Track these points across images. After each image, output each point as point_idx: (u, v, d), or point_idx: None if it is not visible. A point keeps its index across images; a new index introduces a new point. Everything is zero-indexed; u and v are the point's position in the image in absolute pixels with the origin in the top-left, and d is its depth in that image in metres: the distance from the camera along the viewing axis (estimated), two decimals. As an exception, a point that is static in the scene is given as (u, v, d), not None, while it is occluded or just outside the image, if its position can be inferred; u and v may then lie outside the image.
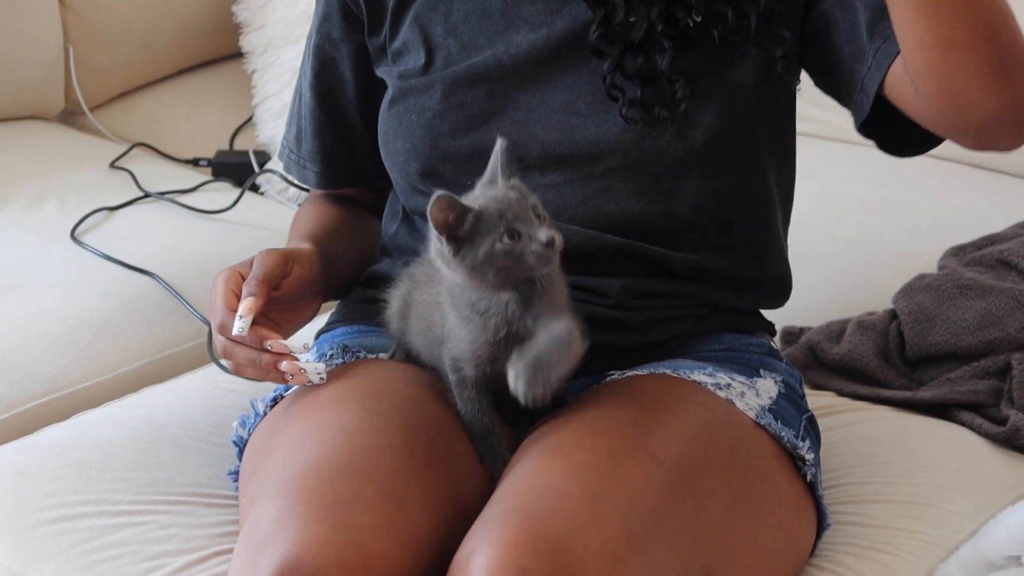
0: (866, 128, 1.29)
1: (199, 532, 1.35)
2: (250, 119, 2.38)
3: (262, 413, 1.35)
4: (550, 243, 1.15)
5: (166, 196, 2.11)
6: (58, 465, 1.45)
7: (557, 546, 1.07)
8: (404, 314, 1.32)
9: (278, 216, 2.07)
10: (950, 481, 1.47)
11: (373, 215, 1.50)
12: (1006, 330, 1.64)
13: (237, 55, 2.45)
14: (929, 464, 1.49)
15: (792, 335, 1.74)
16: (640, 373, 1.31)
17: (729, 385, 1.30)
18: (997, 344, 1.63)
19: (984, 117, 1.17)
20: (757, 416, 1.29)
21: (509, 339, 1.19)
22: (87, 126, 2.42)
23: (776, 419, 1.30)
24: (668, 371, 1.30)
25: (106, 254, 1.91)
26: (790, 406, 1.34)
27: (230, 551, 1.30)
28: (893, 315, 1.71)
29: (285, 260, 1.32)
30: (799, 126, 2.27)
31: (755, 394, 1.31)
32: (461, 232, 1.16)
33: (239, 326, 1.25)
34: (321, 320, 1.51)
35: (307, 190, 1.64)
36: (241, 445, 1.37)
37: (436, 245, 1.19)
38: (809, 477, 1.31)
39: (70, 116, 2.46)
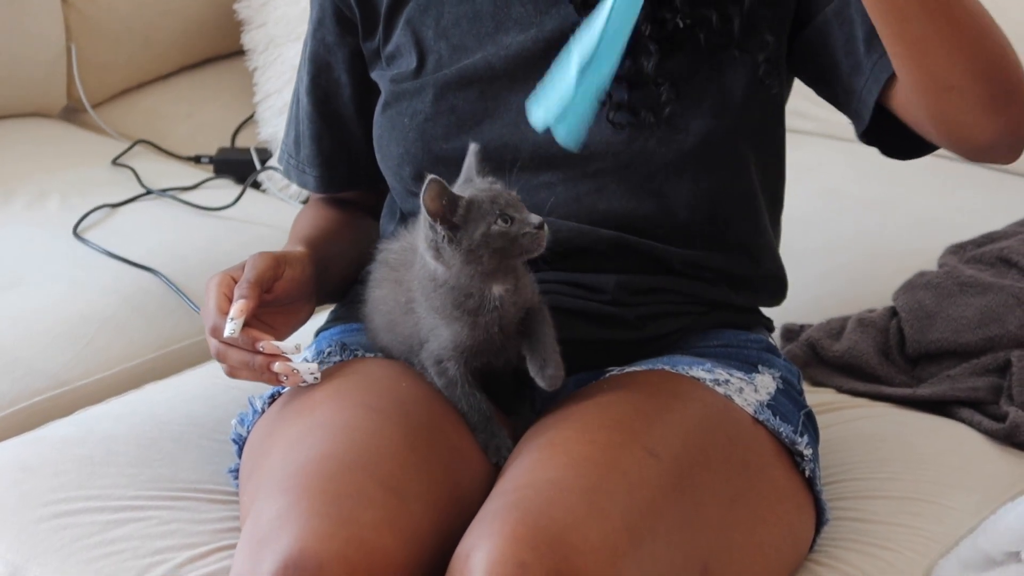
0: (868, 136, 1.30)
1: (201, 528, 1.36)
2: (251, 116, 2.39)
3: (260, 410, 1.36)
4: (541, 226, 1.21)
5: (168, 193, 2.11)
6: (60, 460, 1.45)
7: (556, 540, 1.08)
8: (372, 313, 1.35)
9: (280, 213, 2.07)
10: (950, 477, 1.47)
11: (372, 218, 1.50)
12: (1006, 327, 1.64)
13: (239, 52, 2.45)
14: (929, 461, 1.50)
15: (792, 332, 1.74)
16: (639, 369, 1.32)
17: (727, 381, 1.31)
18: (997, 341, 1.64)
19: (980, 142, 1.20)
20: (755, 412, 1.30)
21: (501, 332, 1.24)
22: (89, 123, 2.42)
23: (774, 415, 1.31)
24: (666, 367, 1.31)
25: (108, 251, 1.92)
26: (788, 402, 1.34)
27: (232, 547, 1.31)
28: (893, 312, 1.72)
29: (277, 263, 1.32)
30: (799, 124, 2.31)
31: (753, 390, 1.32)
32: (454, 218, 1.21)
33: (230, 328, 1.25)
34: (320, 319, 1.52)
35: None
36: (240, 443, 1.38)
37: (428, 234, 1.23)
38: (807, 472, 1.31)
39: (72, 113, 2.46)
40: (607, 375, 1.32)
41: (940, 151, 2.21)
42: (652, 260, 1.34)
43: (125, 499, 1.39)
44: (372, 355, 1.36)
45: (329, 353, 1.37)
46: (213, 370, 1.63)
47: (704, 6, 1.29)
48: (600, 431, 1.20)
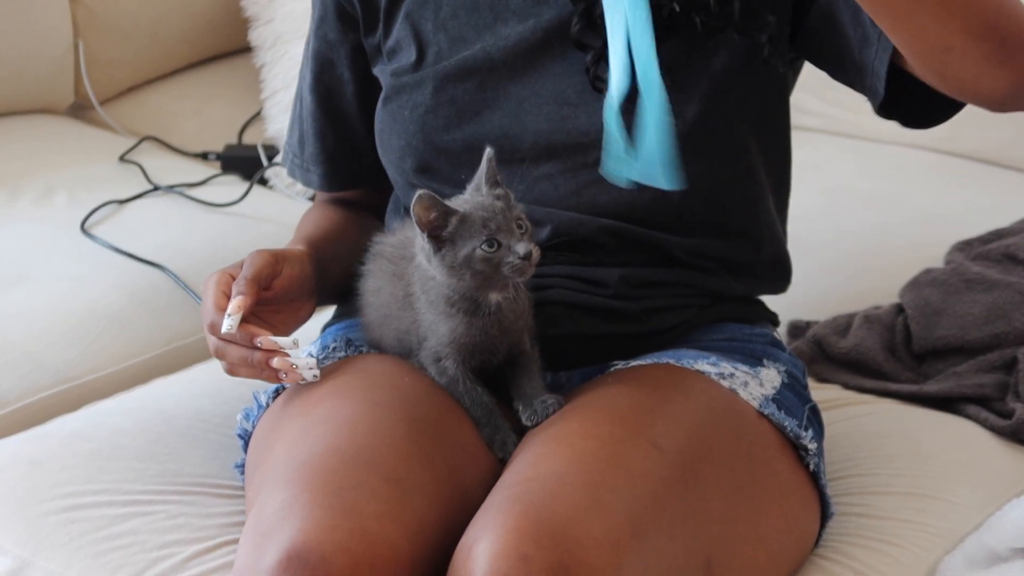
0: (885, 110, 1.28)
1: (208, 522, 1.36)
2: (259, 113, 2.39)
3: (265, 405, 1.36)
4: (527, 256, 1.21)
5: (175, 189, 2.12)
6: (68, 455, 1.45)
7: (559, 533, 1.08)
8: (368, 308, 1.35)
9: (287, 209, 2.08)
10: (956, 474, 1.48)
11: (377, 217, 1.51)
12: (1012, 324, 1.64)
13: (246, 49, 2.45)
14: (935, 457, 1.50)
15: (799, 329, 1.74)
16: (643, 363, 1.32)
17: (732, 375, 1.31)
18: (1003, 338, 1.64)
19: (996, 94, 1.15)
20: (760, 406, 1.30)
21: (501, 334, 1.26)
22: (96, 120, 2.42)
23: (779, 409, 1.31)
24: (671, 360, 1.31)
25: (115, 246, 1.92)
26: (793, 396, 1.35)
27: (239, 541, 1.31)
28: (899, 309, 1.72)
29: (275, 260, 1.32)
30: (805, 121, 2.31)
31: (758, 384, 1.32)
32: (444, 232, 1.22)
33: (227, 324, 1.26)
34: (328, 314, 1.52)
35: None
36: (246, 438, 1.38)
37: (419, 242, 1.24)
38: (812, 467, 1.31)
39: (80, 110, 2.46)
40: (611, 369, 1.33)
41: (947, 147, 2.22)
42: (654, 250, 1.34)
43: (132, 493, 1.39)
44: (376, 351, 1.36)
45: (334, 348, 1.37)
46: (220, 366, 1.63)
47: None
48: (603, 425, 1.20)
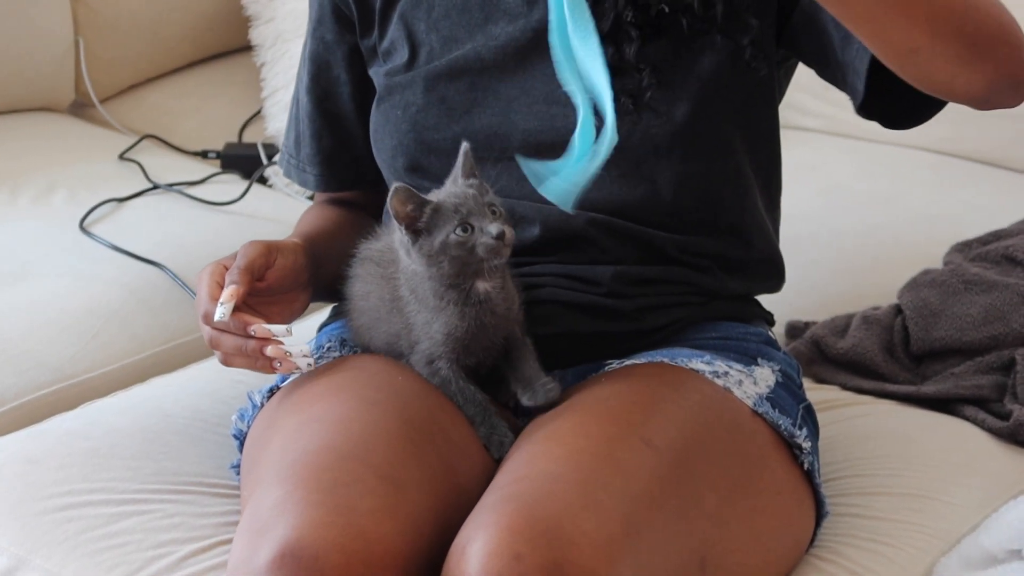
0: (866, 110, 1.28)
1: (204, 521, 1.36)
2: (259, 112, 2.39)
3: (259, 404, 1.37)
4: (500, 236, 1.23)
5: (175, 188, 2.12)
6: (66, 453, 1.45)
7: (552, 531, 1.08)
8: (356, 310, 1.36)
9: (286, 208, 2.08)
10: (953, 475, 1.48)
11: (374, 218, 1.51)
12: (1010, 325, 1.64)
13: (246, 48, 2.46)
14: (933, 458, 1.50)
15: (797, 329, 1.74)
16: (638, 362, 1.32)
17: (727, 373, 1.31)
18: (1001, 339, 1.64)
19: (972, 93, 1.14)
20: (755, 404, 1.30)
21: (494, 324, 1.27)
22: (97, 118, 2.43)
23: (774, 408, 1.31)
24: (666, 359, 1.31)
25: (115, 245, 1.92)
26: (787, 395, 1.35)
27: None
28: (898, 310, 1.72)
29: (268, 251, 1.33)
30: (803, 121, 2.31)
31: (753, 382, 1.32)
32: (419, 224, 1.24)
33: (220, 312, 1.26)
34: (322, 315, 1.52)
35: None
36: (241, 438, 1.38)
37: (398, 235, 1.26)
38: (806, 466, 1.31)
39: (80, 108, 2.47)
40: (606, 368, 1.33)
41: (946, 147, 2.22)
42: (646, 246, 1.35)
43: (129, 492, 1.39)
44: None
45: (329, 348, 1.38)
46: (218, 364, 1.61)
47: None
48: (597, 423, 1.20)
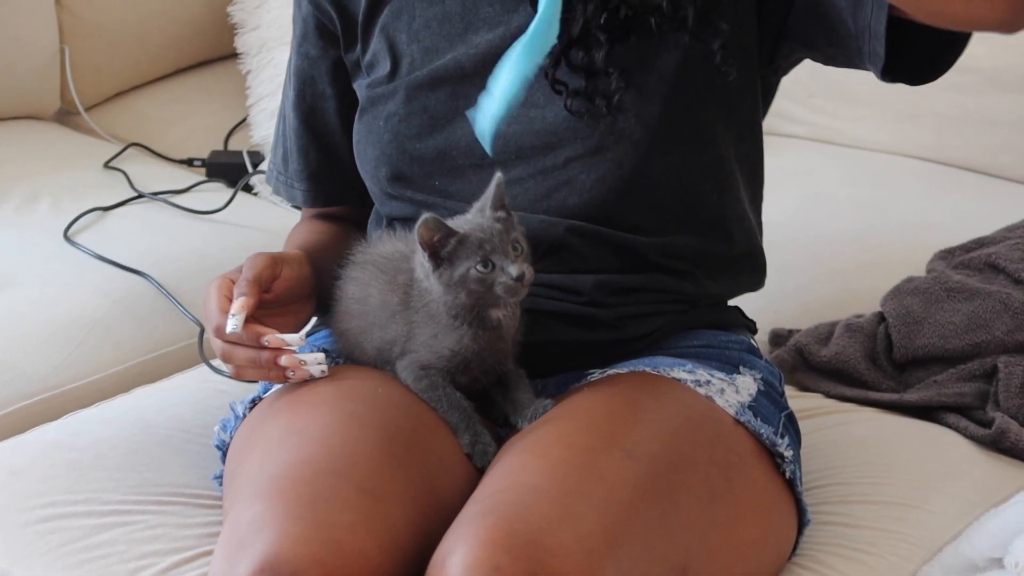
0: (889, 73, 1.26)
1: (187, 532, 1.36)
2: (244, 120, 2.39)
3: (241, 416, 1.37)
4: (520, 278, 1.24)
5: (159, 197, 2.12)
6: (49, 464, 1.45)
7: (531, 543, 1.08)
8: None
9: (271, 216, 2.08)
10: (936, 483, 1.48)
11: (362, 231, 1.51)
12: (992, 333, 1.64)
13: (232, 56, 2.46)
14: (914, 466, 1.50)
15: (781, 337, 1.74)
16: (619, 371, 1.32)
17: (709, 382, 1.31)
18: (984, 347, 1.64)
19: (996, 20, 1.11)
20: (736, 413, 1.30)
21: (501, 347, 1.28)
22: (82, 126, 2.43)
23: (755, 416, 1.31)
24: (648, 368, 1.32)
25: (99, 254, 1.92)
26: (769, 403, 1.35)
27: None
28: (881, 318, 1.72)
29: (274, 262, 1.34)
30: (789, 128, 2.32)
31: (735, 391, 1.33)
32: (443, 252, 1.24)
33: (232, 324, 1.27)
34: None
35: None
36: (224, 449, 1.38)
37: (419, 259, 1.26)
38: (788, 474, 1.32)
39: (66, 116, 2.46)
40: (588, 377, 1.33)
41: (930, 154, 2.22)
42: (626, 252, 1.35)
43: (112, 503, 1.39)
44: (347, 360, 1.36)
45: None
46: (202, 374, 1.63)
47: None
48: (578, 434, 1.21)
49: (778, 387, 1.40)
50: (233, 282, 1.31)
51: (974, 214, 2.00)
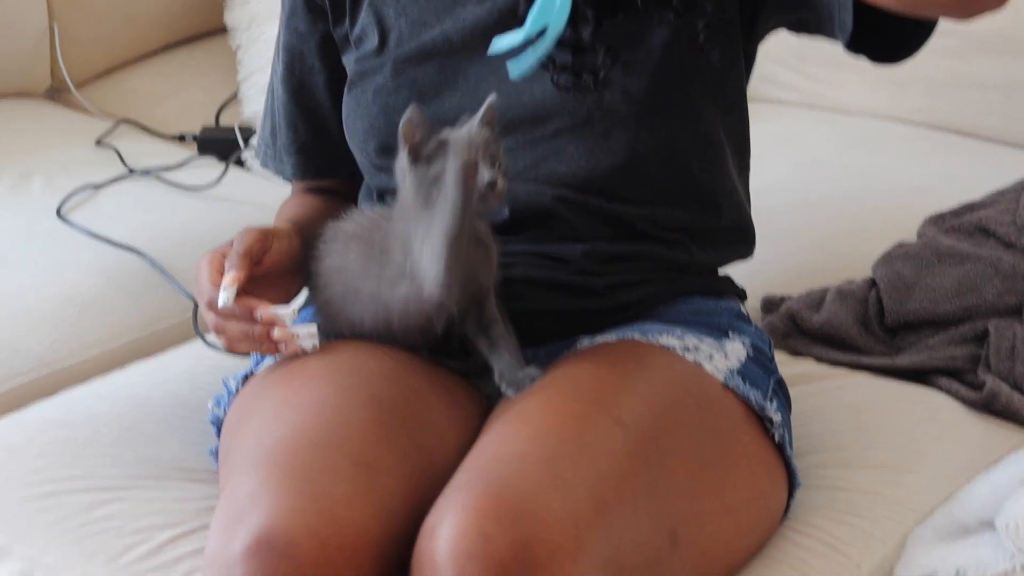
0: (855, 44, 1.28)
1: (184, 507, 1.37)
2: (235, 95, 2.39)
3: (234, 391, 1.38)
4: (491, 183, 1.22)
5: (152, 172, 2.12)
6: (45, 441, 1.46)
7: (520, 511, 1.09)
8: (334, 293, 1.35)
9: (263, 191, 2.08)
10: (928, 446, 1.49)
11: (353, 206, 1.51)
12: (983, 296, 1.65)
13: (222, 30, 2.45)
14: (907, 430, 1.51)
15: (773, 303, 1.75)
16: (608, 339, 1.33)
17: (697, 348, 1.32)
18: (974, 310, 1.65)
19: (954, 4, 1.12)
20: (725, 379, 1.31)
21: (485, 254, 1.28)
22: (73, 103, 2.42)
23: (744, 381, 1.32)
24: (637, 335, 1.32)
25: (92, 231, 1.92)
26: (758, 368, 1.36)
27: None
28: (872, 283, 1.73)
29: (264, 236, 1.34)
30: (781, 94, 2.32)
31: (723, 356, 1.33)
32: (423, 151, 1.24)
33: (224, 297, 1.27)
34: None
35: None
36: (218, 424, 1.39)
37: (399, 157, 1.26)
38: (777, 438, 1.32)
39: (56, 93, 2.46)
40: (577, 346, 1.34)
41: (921, 117, 2.22)
42: (615, 222, 1.36)
43: (109, 479, 1.40)
44: (331, 337, 1.37)
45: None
46: (197, 350, 1.64)
47: None
48: (566, 402, 1.21)
49: (767, 352, 1.40)
50: (224, 256, 1.31)
51: (964, 177, 2.01)
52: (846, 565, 1.33)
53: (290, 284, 1.38)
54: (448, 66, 1.37)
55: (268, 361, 1.35)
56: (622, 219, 1.36)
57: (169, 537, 1.33)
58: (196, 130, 2.31)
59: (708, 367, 1.31)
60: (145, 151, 2.20)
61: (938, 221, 1.83)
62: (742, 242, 1.45)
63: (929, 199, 1.91)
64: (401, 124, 1.23)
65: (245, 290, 1.30)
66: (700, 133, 1.37)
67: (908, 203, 1.94)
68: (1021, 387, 1.55)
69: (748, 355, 1.36)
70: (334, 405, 1.23)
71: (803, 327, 1.69)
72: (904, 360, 1.62)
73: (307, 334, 1.30)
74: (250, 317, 1.29)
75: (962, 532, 1.34)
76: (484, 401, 1.33)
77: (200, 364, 1.60)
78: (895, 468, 1.44)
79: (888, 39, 1.28)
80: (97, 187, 2.06)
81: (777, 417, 1.33)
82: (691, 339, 1.33)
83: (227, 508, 1.16)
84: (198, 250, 1.36)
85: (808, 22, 1.33)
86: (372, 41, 1.41)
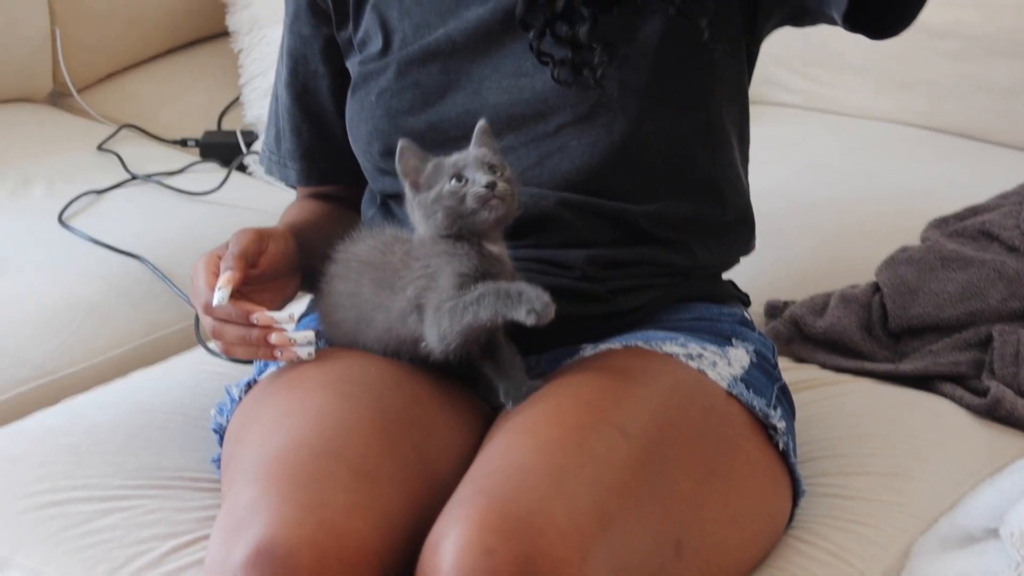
0: (851, 21, 1.26)
1: (186, 516, 1.36)
2: (237, 99, 2.39)
3: (237, 399, 1.37)
4: (491, 185, 1.24)
5: (153, 178, 2.11)
6: (47, 450, 1.46)
7: (523, 524, 1.08)
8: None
9: (265, 196, 2.08)
10: (932, 453, 1.48)
11: (356, 211, 1.51)
12: (987, 301, 1.65)
13: (223, 34, 2.45)
14: (911, 436, 1.50)
15: (776, 309, 1.74)
16: (613, 347, 1.33)
17: (701, 355, 1.32)
18: (978, 315, 1.64)
19: None
20: (729, 386, 1.31)
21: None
22: (75, 107, 2.42)
23: (748, 388, 1.32)
24: (640, 342, 1.32)
25: (93, 237, 1.92)
26: (762, 375, 1.35)
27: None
28: (876, 288, 1.72)
29: (260, 237, 1.34)
30: (784, 97, 2.31)
31: (727, 363, 1.33)
32: (421, 178, 1.26)
33: (218, 296, 1.27)
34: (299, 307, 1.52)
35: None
36: (221, 432, 1.39)
37: (406, 191, 1.28)
38: (781, 446, 1.32)
39: (58, 98, 2.46)
40: (580, 353, 1.33)
41: (924, 120, 2.21)
42: (618, 223, 1.35)
43: (111, 488, 1.40)
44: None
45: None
46: (199, 357, 1.63)
47: None
48: (569, 412, 1.21)
49: (771, 359, 1.40)
50: (220, 258, 1.31)
51: (968, 181, 2.00)
52: (850, 574, 1.32)
53: (285, 286, 1.38)
54: (452, 67, 1.37)
55: (271, 368, 1.35)
56: (624, 219, 1.35)
57: (172, 547, 1.33)
58: (198, 135, 2.30)
59: (712, 374, 1.31)
60: (147, 156, 2.20)
61: (942, 225, 1.82)
62: (745, 234, 1.44)
63: (933, 203, 1.90)
64: (396, 162, 1.25)
65: (241, 292, 1.29)
66: (704, 121, 1.36)
67: (912, 207, 1.94)
68: (1025, 393, 1.55)
69: (752, 362, 1.35)
70: (336, 414, 1.22)
71: (806, 332, 1.68)
72: (908, 366, 1.61)
73: (304, 340, 1.29)
74: (247, 321, 1.28)
75: (966, 540, 1.33)
76: (486, 410, 1.33)
77: (202, 372, 1.60)
78: (899, 475, 1.44)
79: (884, 9, 1.26)
80: (99, 193, 2.06)
81: (781, 424, 1.32)
82: (695, 346, 1.32)
83: (227, 517, 1.16)
84: (200, 256, 1.36)
85: (807, 6, 1.32)
86: (376, 44, 1.41)
